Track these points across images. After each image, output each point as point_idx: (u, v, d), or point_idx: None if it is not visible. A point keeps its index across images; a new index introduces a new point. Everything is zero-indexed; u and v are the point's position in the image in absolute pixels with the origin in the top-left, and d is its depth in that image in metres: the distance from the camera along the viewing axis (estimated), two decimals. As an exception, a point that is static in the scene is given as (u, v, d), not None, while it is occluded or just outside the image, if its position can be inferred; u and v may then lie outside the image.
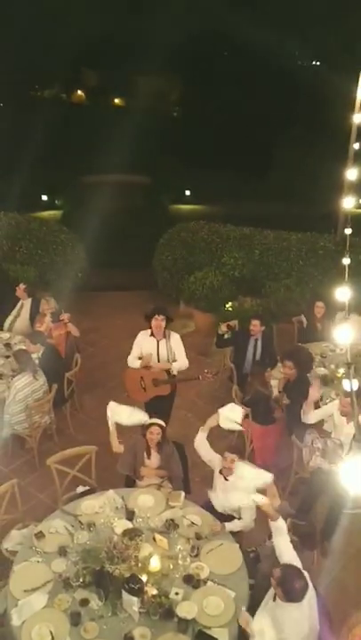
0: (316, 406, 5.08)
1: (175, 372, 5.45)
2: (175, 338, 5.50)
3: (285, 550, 3.56)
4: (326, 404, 5.13)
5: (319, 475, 4.56)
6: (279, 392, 5.51)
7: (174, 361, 5.42)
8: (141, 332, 5.48)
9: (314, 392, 4.74)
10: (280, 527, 3.65)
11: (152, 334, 5.39)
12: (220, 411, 4.48)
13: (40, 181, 15.40)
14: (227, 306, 8.12)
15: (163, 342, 5.42)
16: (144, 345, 5.43)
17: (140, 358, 5.42)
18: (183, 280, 8.51)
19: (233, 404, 4.68)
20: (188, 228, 9.19)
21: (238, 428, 4.53)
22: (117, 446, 4.65)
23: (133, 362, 5.45)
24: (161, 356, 5.42)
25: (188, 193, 19.01)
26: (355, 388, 1.70)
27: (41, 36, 21.86)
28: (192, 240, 8.95)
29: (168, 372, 5.45)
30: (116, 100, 34.22)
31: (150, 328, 5.40)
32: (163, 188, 18.51)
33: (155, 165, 18.30)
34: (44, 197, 16.50)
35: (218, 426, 4.52)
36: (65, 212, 15.79)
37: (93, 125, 21.41)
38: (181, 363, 5.43)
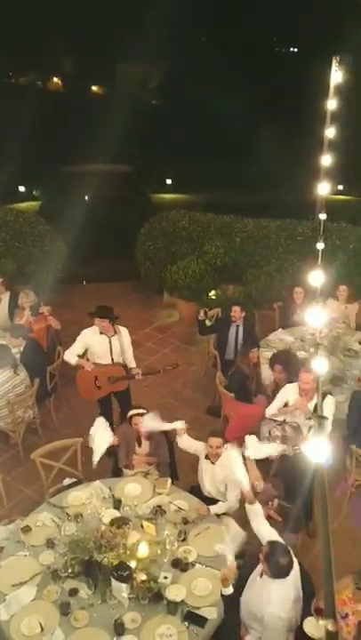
0: None
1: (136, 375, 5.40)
2: (125, 332, 5.45)
3: (265, 532, 3.65)
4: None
5: (289, 460, 4.62)
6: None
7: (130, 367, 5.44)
8: (89, 329, 5.38)
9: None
10: (256, 510, 3.74)
11: (102, 332, 5.34)
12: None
13: (16, 172, 15.17)
14: (210, 294, 8.17)
15: (115, 339, 5.37)
16: (94, 343, 5.36)
17: (80, 356, 5.36)
18: (166, 270, 8.52)
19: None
20: (168, 217, 9.18)
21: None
22: (114, 438, 4.62)
23: (71, 357, 5.33)
24: (115, 353, 5.38)
25: (169, 182, 18.96)
26: (323, 369, 1.75)
27: (16, 20, 21.46)
28: (173, 229, 8.94)
29: (125, 367, 5.43)
30: (94, 88, 33.73)
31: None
32: (144, 177, 18.42)
33: (135, 154, 18.20)
34: (22, 188, 16.33)
35: (203, 412, 4.56)
36: (43, 202, 15.65)
37: (71, 114, 21.16)
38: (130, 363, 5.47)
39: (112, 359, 5.39)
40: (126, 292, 9.17)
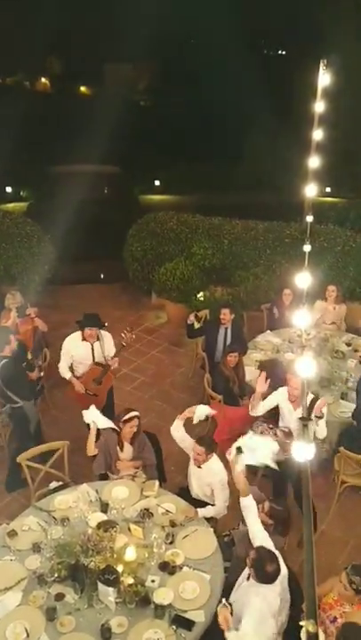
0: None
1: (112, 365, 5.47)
2: (108, 338, 5.51)
3: (257, 531, 3.64)
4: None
5: (278, 463, 4.62)
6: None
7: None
8: (70, 337, 5.46)
9: (259, 386, 4.79)
10: (248, 505, 3.73)
11: (84, 339, 5.40)
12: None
13: (3, 172, 15.07)
14: (198, 296, 8.17)
15: (97, 344, 5.43)
16: (77, 350, 5.42)
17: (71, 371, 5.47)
18: (154, 271, 8.50)
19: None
20: (156, 218, 9.16)
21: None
22: (93, 450, 4.62)
23: (66, 372, 5.47)
24: (96, 357, 5.46)
25: (157, 183, 18.94)
26: (310, 372, 1.75)
27: (2, 19, 21.33)
28: (161, 231, 8.93)
29: (100, 364, 5.46)
30: (83, 89, 33.62)
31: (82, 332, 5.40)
32: (132, 178, 18.39)
33: (124, 155, 18.16)
34: (9, 189, 16.22)
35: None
36: (31, 203, 15.56)
37: (59, 114, 21.07)
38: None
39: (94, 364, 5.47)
40: (114, 293, 9.14)
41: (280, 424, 4.92)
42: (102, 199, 15.48)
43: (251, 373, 5.83)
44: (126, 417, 4.51)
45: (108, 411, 5.22)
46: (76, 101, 27.06)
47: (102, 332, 5.47)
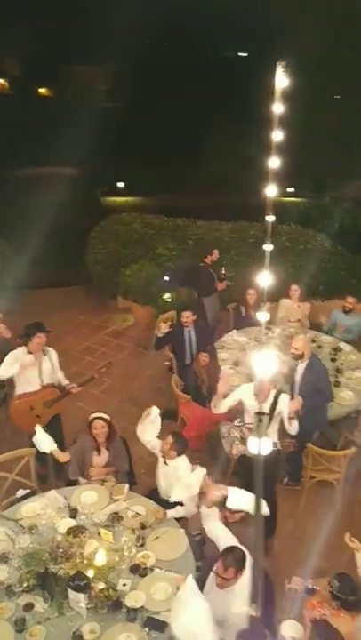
0: None
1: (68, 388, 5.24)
2: (53, 353, 5.26)
3: (221, 535, 3.65)
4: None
5: (248, 459, 4.67)
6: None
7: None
8: (15, 352, 5.05)
9: (222, 386, 4.84)
10: (210, 514, 3.74)
11: (29, 352, 5.04)
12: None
13: None
14: (164, 297, 8.17)
15: (45, 359, 5.15)
16: (24, 365, 5.03)
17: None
18: (119, 273, 8.46)
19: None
20: (120, 220, 9.13)
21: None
22: (64, 456, 4.55)
23: (5, 372, 5.04)
24: (45, 375, 5.16)
25: (121, 185, 18.87)
26: (270, 368, 1.77)
27: None
28: (125, 232, 8.90)
29: (59, 387, 5.23)
30: (42, 90, 33.16)
31: (26, 346, 5.04)
32: (95, 180, 18.23)
33: (85, 157, 17.99)
34: None
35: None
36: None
37: (17, 116, 20.71)
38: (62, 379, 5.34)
39: (42, 382, 5.16)
40: (79, 297, 9.06)
41: (245, 420, 4.97)
42: (63, 202, 15.26)
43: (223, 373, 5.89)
44: (92, 417, 4.52)
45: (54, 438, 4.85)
46: (35, 103, 26.68)
47: (48, 347, 5.20)
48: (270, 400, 4.61)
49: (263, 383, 4.45)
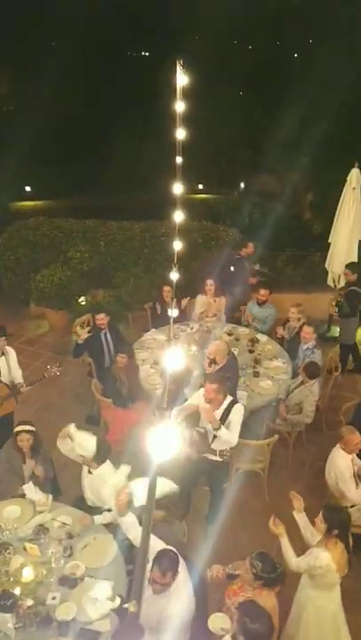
0: None
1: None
2: (12, 353, 5.41)
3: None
4: None
5: (192, 463, 4.69)
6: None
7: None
8: None
9: (205, 416, 4.80)
10: (130, 522, 3.56)
11: None
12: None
13: None
14: (79, 300, 8.03)
15: (2, 360, 5.28)
16: None
17: None
18: (30, 279, 8.20)
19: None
20: (27, 225, 8.85)
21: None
22: None
23: None
24: (2, 375, 5.27)
25: (28, 189, 18.28)
26: (177, 364, 1.78)
27: None
28: (34, 237, 8.64)
29: (9, 386, 5.29)
30: None
31: None
32: (-1, 186, 17.47)
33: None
34: None
35: (82, 422, 4.46)
36: None
37: None
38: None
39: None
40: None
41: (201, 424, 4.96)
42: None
43: (143, 372, 5.87)
44: (15, 429, 4.46)
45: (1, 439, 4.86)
46: None
47: (7, 347, 5.33)
48: (223, 408, 4.57)
49: (209, 391, 4.47)
